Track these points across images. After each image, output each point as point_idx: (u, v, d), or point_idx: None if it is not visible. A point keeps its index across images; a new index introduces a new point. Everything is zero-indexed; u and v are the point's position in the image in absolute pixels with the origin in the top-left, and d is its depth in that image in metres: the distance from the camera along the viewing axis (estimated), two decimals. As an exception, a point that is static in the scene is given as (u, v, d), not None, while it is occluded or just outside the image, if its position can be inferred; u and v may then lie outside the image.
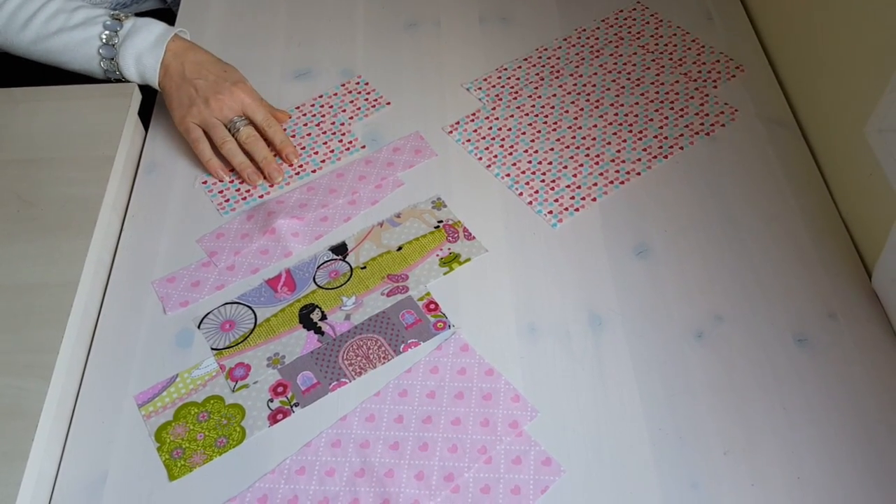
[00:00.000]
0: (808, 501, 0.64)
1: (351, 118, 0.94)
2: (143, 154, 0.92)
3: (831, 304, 0.76)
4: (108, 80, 0.91)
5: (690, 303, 0.77)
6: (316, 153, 0.90)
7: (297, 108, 0.95)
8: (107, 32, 0.87)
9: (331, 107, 0.95)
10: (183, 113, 0.87)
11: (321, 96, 0.96)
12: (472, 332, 0.75)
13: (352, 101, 0.96)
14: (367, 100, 0.96)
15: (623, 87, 0.96)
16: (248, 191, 0.87)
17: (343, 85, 0.97)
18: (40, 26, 0.87)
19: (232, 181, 0.88)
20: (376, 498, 0.65)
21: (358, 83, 0.98)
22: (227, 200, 0.86)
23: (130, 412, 0.71)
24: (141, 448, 0.69)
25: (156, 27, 0.89)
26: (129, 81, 0.90)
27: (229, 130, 0.89)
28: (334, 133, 0.92)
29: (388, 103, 0.95)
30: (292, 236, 0.83)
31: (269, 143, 0.90)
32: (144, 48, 0.87)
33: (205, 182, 0.88)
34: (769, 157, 0.88)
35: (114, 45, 0.87)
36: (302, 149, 0.91)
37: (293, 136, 0.92)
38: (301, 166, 0.89)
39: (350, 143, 0.91)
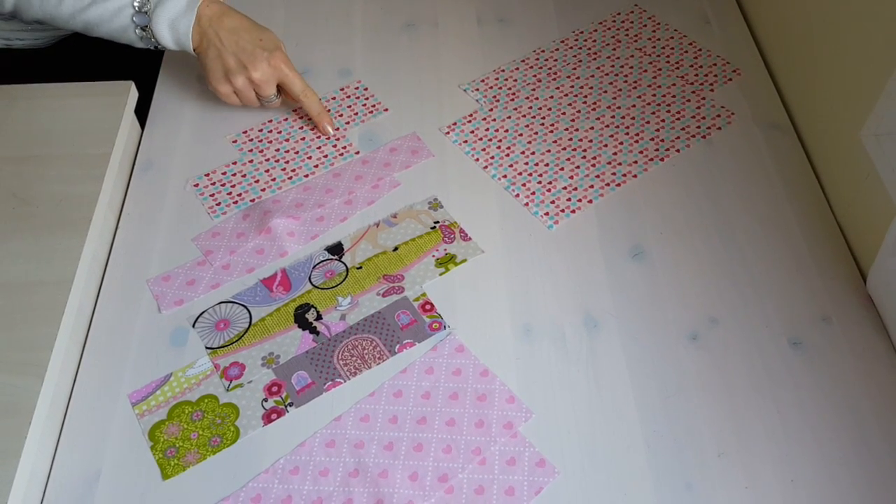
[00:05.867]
0: (801, 504, 0.65)
1: (347, 123, 0.94)
2: (139, 152, 0.92)
3: (826, 307, 0.76)
4: (151, 50, 0.89)
5: (685, 305, 0.77)
6: (309, 157, 0.90)
7: (295, 110, 0.95)
8: (139, 0, 0.85)
9: (328, 111, 0.95)
10: (220, 81, 0.88)
11: (319, 99, 0.96)
12: (467, 333, 0.75)
13: (349, 107, 0.95)
14: (364, 105, 0.96)
15: (620, 90, 0.96)
16: (239, 194, 0.87)
17: (342, 89, 0.97)
18: (75, 0, 0.85)
19: (223, 184, 0.88)
20: (370, 498, 0.65)
21: (357, 88, 0.97)
22: (219, 204, 0.86)
23: (124, 410, 0.71)
24: (134, 447, 0.69)
25: None
26: (167, 49, 0.89)
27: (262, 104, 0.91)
28: (328, 138, 0.92)
29: (387, 110, 0.95)
30: (288, 236, 0.83)
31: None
32: (177, 13, 0.86)
33: (196, 185, 0.88)
34: (765, 160, 0.89)
35: (146, 13, 0.85)
36: (296, 153, 0.91)
37: (287, 140, 0.92)
38: (294, 170, 0.89)
39: (344, 148, 0.91)
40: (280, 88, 0.91)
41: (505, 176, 0.88)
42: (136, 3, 0.85)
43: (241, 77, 0.87)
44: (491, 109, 0.95)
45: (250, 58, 0.86)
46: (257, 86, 0.88)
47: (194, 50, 0.88)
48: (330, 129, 0.91)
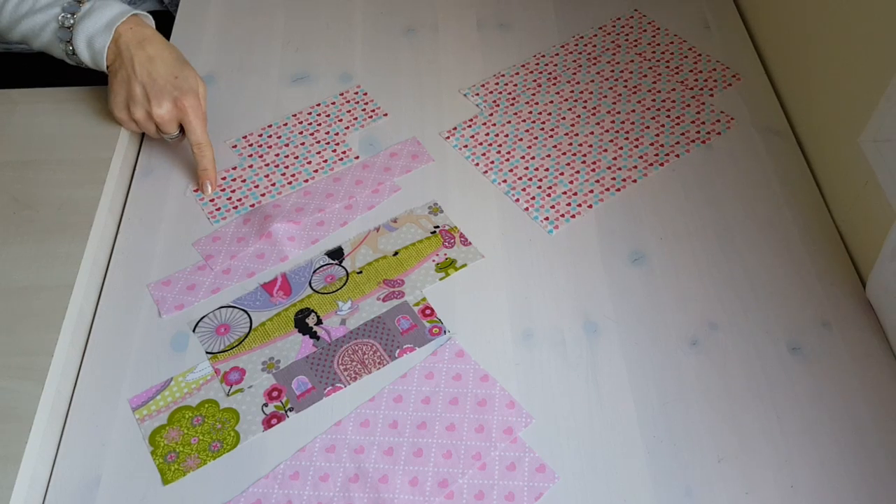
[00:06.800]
0: (801, 510, 0.65)
1: (347, 128, 0.94)
2: (140, 157, 0.92)
3: (825, 312, 0.76)
4: (82, 67, 0.88)
5: (685, 310, 0.77)
6: (309, 162, 0.90)
7: (294, 115, 0.95)
8: (63, 14, 0.83)
9: (328, 115, 0.95)
10: (119, 108, 0.85)
11: (318, 104, 0.96)
12: (467, 337, 0.75)
13: (349, 111, 0.96)
14: (364, 110, 0.96)
15: (620, 95, 0.96)
16: (239, 199, 0.87)
17: (342, 94, 0.97)
18: (11, 11, 0.84)
19: (223, 189, 0.88)
20: (370, 503, 0.65)
21: (357, 93, 0.98)
22: (219, 209, 0.86)
23: (124, 415, 0.71)
24: (135, 452, 0.69)
25: (111, 9, 0.84)
26: (88, 67, 0.86)
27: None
28: (328, 143, 0.92)
29: (386, 114, 0.95)
30: (288, 240, 0.83)
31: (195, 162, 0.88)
32: (96, 30, 0.83)
33: (196, 190, 0.88)
34: (765, 165, 0.89)
35: (69, 28, 0.83)
36: (295, 158, 0.91)
37: (287, 145, 0.92)
38: (294, 175, 0.89)
39: (344, 153, 0.91)
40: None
41: (505, 181, 0.88)
42: (59, 17, 0.83)
43: (142, 110, 0.83)
44: (491, 114, 0.95)
45: (158, 92, 0.82)
46: (157, 123, 0.84)
47: (108, 69, 0.85)
48: (209, 189, 0.86)
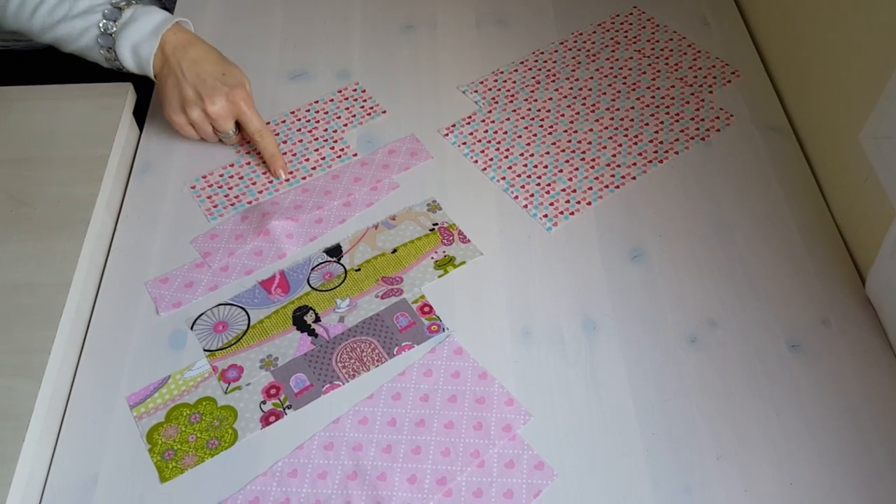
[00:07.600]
0: (800, 507, 0.65)
1: (345, 125, 0.94)
2: (138, 154, 0.91)
3: (825, 310, 0.76)
4: (117, 71, 0.89)
5: (684, 308, 0.77)
6: (307, 160, 0.90)
7: (292, 112, 0.95)
8: (104, 21, 0.84)
9: (326, 113, 0.95)
10: (176, 111, 0.87)
11: (317, 101, 0.96)
12: (466, 335, 0.75)
13: (347, 108, 0.95)
14: (362, 107, 0.95)
15: (619, 92, 0.96)
16: (236, 196, 0.87)
17: (340, 91, 0.97)
18: (46, 15, 0.85)
19: (221, 186, 0.88)
20: (369, 501, 0.65)
21: (355, 90, 0.97)
22: (216, 206, 0.86)
23: (122, 413, 0.71)
24: (132, 449, 0.68)
25: (154, 16, 0.86)
26: (132, 73, 0.88)
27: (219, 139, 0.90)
28: (326, 140, 0.92)
29: (384, 112, 0.95)
30: (287, 238, 0.83)
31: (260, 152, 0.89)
32: (141, 38, 0.85)
33: (193, 187, 0.87)
34: (764, 162, 0.89)
35: (111, 35, 0.85)
36: (293, 155, 0.91)
37: (285, 143, 0.92)
38: (291, 173, 0.89)
39: (342, 150, 0.91)
40: (239, 125, 0.89)
41: (504, 178, 0.88)
42: (101, 24, 0.84)
43: (197, 109, 0.85)
44: (490, 111, 0.95)
45: (209, 90, 0.84)
46: (213, 120, 0.86)
47: (155, 76, 0.87)
48: (282, 174, 0.88)
